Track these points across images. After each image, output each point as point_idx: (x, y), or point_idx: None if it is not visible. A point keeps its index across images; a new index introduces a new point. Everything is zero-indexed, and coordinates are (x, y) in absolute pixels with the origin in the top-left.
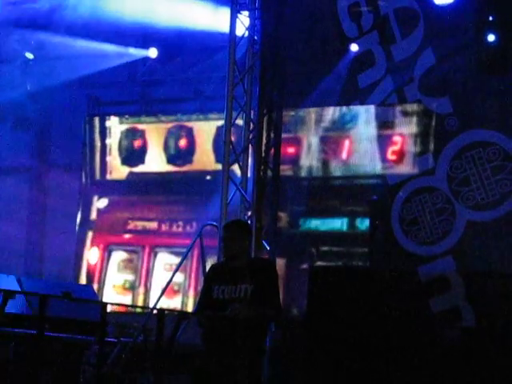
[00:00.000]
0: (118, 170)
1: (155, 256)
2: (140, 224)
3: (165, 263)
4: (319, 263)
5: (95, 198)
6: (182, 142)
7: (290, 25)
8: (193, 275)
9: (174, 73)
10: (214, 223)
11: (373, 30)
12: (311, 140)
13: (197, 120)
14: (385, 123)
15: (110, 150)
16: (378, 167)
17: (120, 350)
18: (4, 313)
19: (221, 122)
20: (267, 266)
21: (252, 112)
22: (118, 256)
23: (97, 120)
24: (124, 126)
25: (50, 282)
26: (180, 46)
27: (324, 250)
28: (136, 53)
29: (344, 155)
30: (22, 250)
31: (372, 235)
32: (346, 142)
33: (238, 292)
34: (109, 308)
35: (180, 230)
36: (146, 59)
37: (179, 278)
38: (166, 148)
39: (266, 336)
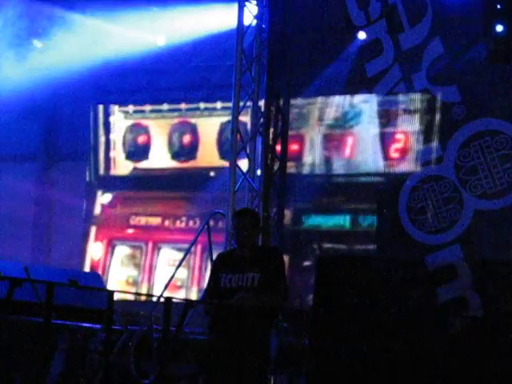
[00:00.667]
0: (122, 166)
1: (158, 251)
2: (143, 219)
3: (168, 259)
4: None
5: (99, 192)
6: (186, 138)
7: (298, 13)
8: (196, 271)
9: (181, 61)
10: (222, 211)
11: (381, 18)
12: (314, 137)
13: (200, 116)
14: (388, 121)
15: (115, 145)
16: (380, 165)
17: (126, 339)
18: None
19: (225, 119)
20: (274, 254)
21: (259, 100)
22: (122, 251)
23: (101, 114)
24: (128, 122)
25: (56, 270)
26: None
27: (327, 247)
28: (144, 39)
29: (347, 152)
30: (29, 243)
31: (379, 224)
32: (349, 140)
33: (246, 280)
34: (116, 296)
35: (183, 225)
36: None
37: (182, 273)
38: (169, 144)
39: (273, 325)
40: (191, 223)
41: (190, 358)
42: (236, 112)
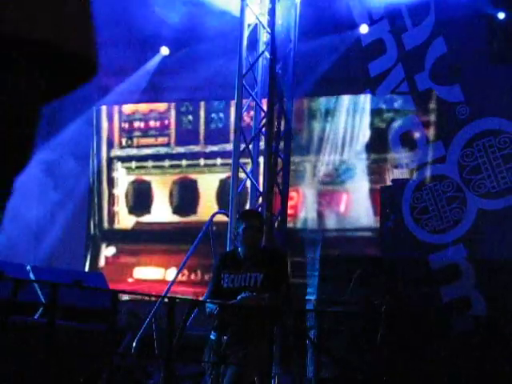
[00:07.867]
0: (125, 220)
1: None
2: (146, 272)
3: None
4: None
5: (103, 246)
6: (187, 194)
7: (301, 12)
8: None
9: (184, 61)
10: (224, 211)
11: (383, 18)
12: (307, 192)
13: (201, 172)
14: (378, 176)
15: (118, 200)
16: (372, 221)
17: (131, 339)
18: (16, 301)
19: (223, 175)
20: (277, 255)
21: (262, 100)
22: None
23: (105, 170)
24: (131, 177)
25: (61, 271)
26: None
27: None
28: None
29: (341, 208)
30: (32, 245)
31: (382, 223)
32: (343, 196)
33: (248, 280)
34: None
35: (185, 278)
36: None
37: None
38: (171, 199)
39: (276, 325)
40: (193, 276)
41: (193, 357)
42: (239, 112)
